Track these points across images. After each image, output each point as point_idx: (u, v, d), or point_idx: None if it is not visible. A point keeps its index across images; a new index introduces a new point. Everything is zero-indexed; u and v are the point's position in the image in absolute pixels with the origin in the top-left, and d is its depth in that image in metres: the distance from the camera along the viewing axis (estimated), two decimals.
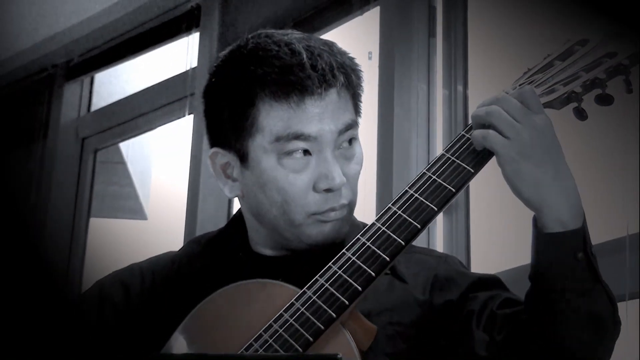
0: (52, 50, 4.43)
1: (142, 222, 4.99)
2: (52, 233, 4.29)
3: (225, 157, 1.59)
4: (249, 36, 1.58)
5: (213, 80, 1.62)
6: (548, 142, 1.38)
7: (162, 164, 4.89)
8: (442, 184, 1.43)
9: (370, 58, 3.21)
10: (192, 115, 3.85)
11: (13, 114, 4.72)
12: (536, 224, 1.39)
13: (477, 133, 1.40)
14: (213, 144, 1.63)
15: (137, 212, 4.93)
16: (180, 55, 4.06)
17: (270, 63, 1.49)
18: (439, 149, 3.02)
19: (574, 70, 1.50)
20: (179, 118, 4.01)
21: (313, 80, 1.47)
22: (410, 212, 1.42)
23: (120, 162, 4.64)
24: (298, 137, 1.50)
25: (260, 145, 1.53)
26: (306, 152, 1.52)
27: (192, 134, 3.82)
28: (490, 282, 1.60)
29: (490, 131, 1.38)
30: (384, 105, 3.11)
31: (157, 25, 4.13)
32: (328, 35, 3.40)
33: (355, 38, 3.41)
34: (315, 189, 1.51)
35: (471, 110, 2.75)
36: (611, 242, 2.45)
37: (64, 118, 4.44)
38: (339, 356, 0.98)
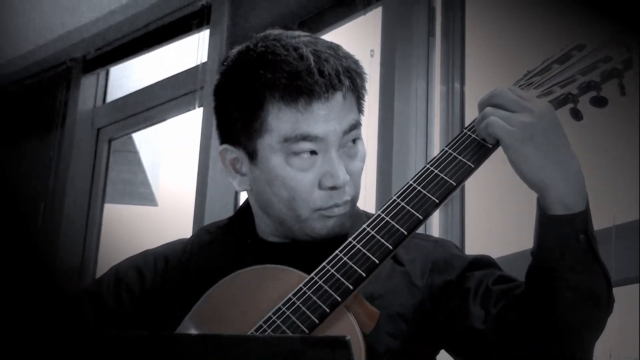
0: (70, 45, 4.42)
1: (152, 208, 5.04)
2: (69, 217, 4.29)
3: (234, 153, 1.60)
4: (258, 37, 1.58)
5: (223, 80, 1.62)
6: (550, 126, 1.38)
7: (173, 154, 4.92)
8: (444, 178, 1.42)
9: (372, 55, 3.19)
10: (201, 108, 3.85)
11: (33, 104, 4.72)
12: (540, 205, 1.40)
13: (482, 124, 1.41)
14: (223, 140, 1.63)
15: (148, 198, 4.97)
16: (191, 51, 4.04)
17: (279, 68, 1.50)
18: (436, 142, 3.08)
19: (571, 73, 1.51)
20: (189, 110, 4.01)
21: (320, 85, 1.48)
22: (413, 204, 1.42)
23: (133, 151, 4.66)
24: (305, 138, 1.51)
25: (269, 144, 1.54)
26: (312, 152, 1.53)
27: (202, 126, 3.79)
28: (484, 262, 1.60)
29: (492, 118, 1.38)
30: (384, 100, 3.09)
31: (170, 22, 4.14)
32: (332, 33, 3.46)
33: (358, 36, 3.40)
34: (320, 186, 1.52)
35: (468, 106, 3.05)
36: (599, 232, 2.50)
37: (81, 109, 4.43)
38: (347, 338, 0.94)
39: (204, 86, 3.80)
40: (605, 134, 2.63)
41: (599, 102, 1.48)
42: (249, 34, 3.43)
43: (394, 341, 1.52)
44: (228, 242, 1.72)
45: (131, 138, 4.63)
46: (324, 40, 1.59)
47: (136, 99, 4.33)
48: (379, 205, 1.47)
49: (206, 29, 3.94)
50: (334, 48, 1.54)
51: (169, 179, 5.08)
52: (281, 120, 1.51)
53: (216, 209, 3.62)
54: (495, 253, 2.58)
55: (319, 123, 1.50)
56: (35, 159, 4.57)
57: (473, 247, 2.87)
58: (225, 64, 1.62)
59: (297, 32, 1.58)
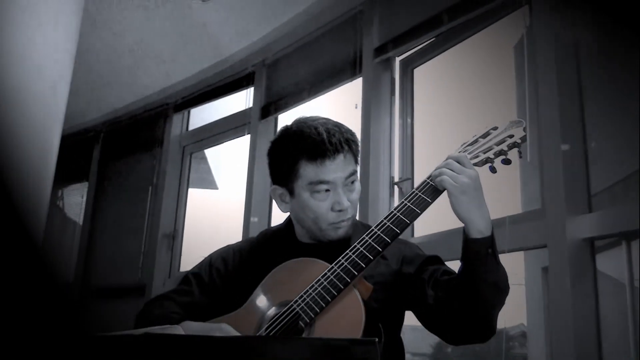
0: (166, 95, 4.92)
1: (215, 190, 5.36)
2: (167, 198, 4.73)
3: (280, 190, 1.72)
4: (294, 121, 1.70)
5: (274, 147, 1.72)
6: (476, 186, 1.51)
7: (229, 162, 5.17)
8: (414, 209, 1.55)
9: (356, 107, 3.48)
10: (248, 135, 4.24)
11: (144, 131, 5.14)
12: (465, 232, 1.52)
13: (438, 178, 1.53)
14: (273, 182, 1.74)
15: (212, 185, 5.30)
16: (241, 100, 4.44)
17: (305, 141, 1.62)
18: (396, 154, 3.36)
19: (489, 145, 1.63)
20: (240, 137, 4.41)
21: (330, 151, 1.61)
22: (392, 222, 1.55)
23: (205, 160, 5.11)
24: (322, 182, 1.63)
25: (300, 186, 1.66)
26: (327, 190, 1.64)
27: (249, 146, 4.18)
28: (434, 259, 1.70)
29: (444, 176, 1.51)
30: (365, 131, 3.40)
31: (229, 82, 4.56)
32: (331, 93, 3.80)
33: (348, 95, 3.70)
34: (332, 209, 1.65)
35: (416, 132, 3.35)
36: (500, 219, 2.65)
37: (173, 134, 4.90)
38: (376, 340, 0.92)
39: (250, 122, 4.24)
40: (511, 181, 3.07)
41: (507, 162, 1.60)
42: (278, 90, 4.04)
43: (377, 303, 1.58)
44: (279, 242, 1.79)
45: (204, 152, 5.01)
46: (332, 120, 1.69)
47: (207, 128, 4.79)
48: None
49: (251, 86, 4.33)
50: (339, 126, 1.66)
51: (225, 176, 5.34)
52: (307, 171, 1.63)
53: (258, 197, 4.03)
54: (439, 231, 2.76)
55: (330, 173, 1.62)
56: (145, 165, 5.04)
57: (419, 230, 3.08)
58: (275, 137, 1.73)
59: (316, 117, 1.69)
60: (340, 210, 1.64)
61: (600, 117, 2.53)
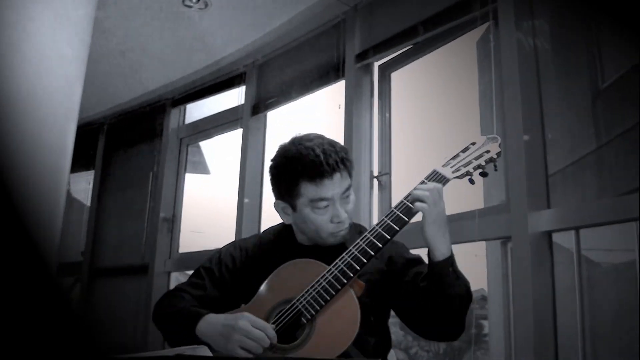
0: (165, 92, 4.92)
1: (207, 175, 5.33)
2: (167, 182, 4.78)
3: (283, 204, 1.75)
4: (290, 141, 1.72)
5: (274, 167, 1.74)
6: (443, 217, 1.59)
7: (221, 153, 5.15)
8: (393, 226, 1.59)
9: (340, 107, 3.53)
10: (240, 129, 4.32)
11: (144, 123, 5.15)
12: (429, 254, 1.61)
13: (418, 204, 1.58)
14: (277, 197, 1.76)
15: (205, 170, 5.27)
16: (234, 97, 4.49)
17: (305, 163, 1.65)
18: (375, 147, 3.42)
19: (469, 160, 1.68)
20: (232, 130, 4.52)
21: (327, 171, 1.64)
22: (375, 237, 1.59)
23: (199, 149, 5.11)
24: (322, 199, 1.66)
25: (302, 202, 1.68)
26: (326, 205, 1.67)
27: (242, 140, 4.26)
28: (417, 261, 1.76)
29: (424, 204, 1.57)
30: (347, 128, 3.47)
31: (222, 81, 4.59)
32: (316, 95, 3.89)
33: (333, 95, 3.75)
34: (332, 221, 1.68)
35: (393, 128, 3.44)
36: (469, 213, 2.79)
37: (171, 127, 4.93)
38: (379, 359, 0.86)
39: (242, 117, 4.30)
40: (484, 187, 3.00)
41: (484, 175, 1.66)
42: (267, 90, 4.10)
43: (368, 298, 1.63)
44: (281, 244, 1.82)
45: (199, 145, 5.07)
46: (328, 139, 1.71)
47: (202, 123, 4.85)
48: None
49: (243, 85, 4.38)
50: (333, 144, 1.69)
51: (217, 164, 5.29)
52: (307, 190, 1.66)
53: (250, 180, 4.10)
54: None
55: (329, 191, 1.65)
56: (146, 155, 5.07)
57: None
58: (275, 158, 1.74)
59: (311, 135, 1.71)
60: (339, 222, 1.68)
61: (556, 109, 2.63)
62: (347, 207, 1.70)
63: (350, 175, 1.71)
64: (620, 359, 2.27)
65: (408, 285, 1.67)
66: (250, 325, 1.53)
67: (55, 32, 2.55)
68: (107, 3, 3.50)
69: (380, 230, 1.59)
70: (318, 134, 1.72)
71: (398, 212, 1.60)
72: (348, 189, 1.69)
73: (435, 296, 1.57)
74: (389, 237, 1.58)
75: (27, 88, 2.30)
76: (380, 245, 1.57)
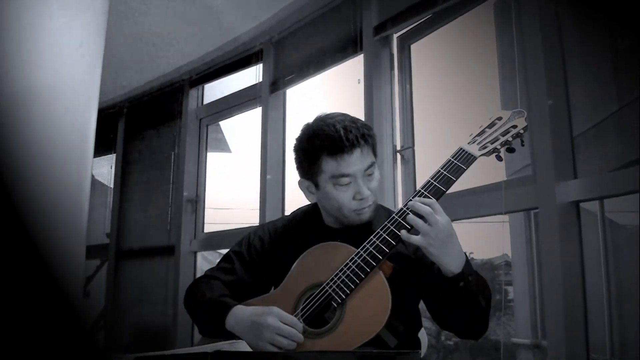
0: (184, 72, 4.91)
1: (228, 153, 5.38)
2: (189, 159, 4.79)
3: (307, 182, 1.76)
4: (314, 120, 1.73)
5: (298, 144, 1.75)
6: (445, 235, 1.51)
7: (240, 134, 5.22)
8: (429, 196, 1.56)
9: (359, 82, 3.50)
10: (260, 108, 4.27)
11: (164, 104, 5.15)
12: (439, 271, 1.57)
13: (412, 238, 1.53)
14: (301, 176, 1.78)
15: (226, 149, 5.30)
16: (252, 75, 4.46)
17: (325, 138, 1.65)
18: (397, 120, 3.38)
19: (495, 136, 1.66)
20: (251, 109, 4.52)
21: (347, 146, 1.64)
22: (395, 224, 1.57)
23: (219, 129, 5.13)
24: (343, 175, 1.66)
25: (324, 179, 1.69)
26: (348, 182, 1.67)
27: (262, 118, 4.23)
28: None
29: (424, 226, 1.52)
30: (368, 106, 3.42)
31: (240, 59, 4.55)
32: (335, 70, 3.83)
33: (351, 70, 3.67)
34: (354, 198, 1.68)
35: (415, 102, 3.38)
36: (494, 184, 2.73)
37: (190, 107, 4.92)
38: (419, 351, 0.87)
39: (260, 95, 4.26)
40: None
41: (511, 150, 1.65)
42: (285, 67, 4.05)
43: (398, 278, 1.61)
44: (308, 226, 1.83)
45: (219, 124, 5.05)
46: (350, 116, 1.71)
47: (220, 102, 4.83)
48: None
49: (260, 62, 4.35)
50: (355, 121, 1.69)
51: (238, 143, 5.34)
52: (329, 166, 1.66)
53: (272, 157, 4.09)
54: None
55: (350, 166, 1.65)
56: (166, 137, 5.10)
57: None
58: (298, 135, 1.76)
59: (335, 113, 1.71)
60: (361, 199, 1.67)
61: (578, 72, 2.59)
62: (370, 184, 1.69)
63: (374, 152, 1.71)
64: None
65: (431, 278, 1.64)
66: (279, 321, 1.54)
67: (73, 20, 2.54)
68: None
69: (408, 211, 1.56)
70: (342, 113, 1.71)
71: (426, 193, 1.56)
72: (371, 165, 1.68)
73: (451, 307, 1.57)
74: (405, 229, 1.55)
75: (50, 78, 2.27)
76: (410, 227, 1.54)
